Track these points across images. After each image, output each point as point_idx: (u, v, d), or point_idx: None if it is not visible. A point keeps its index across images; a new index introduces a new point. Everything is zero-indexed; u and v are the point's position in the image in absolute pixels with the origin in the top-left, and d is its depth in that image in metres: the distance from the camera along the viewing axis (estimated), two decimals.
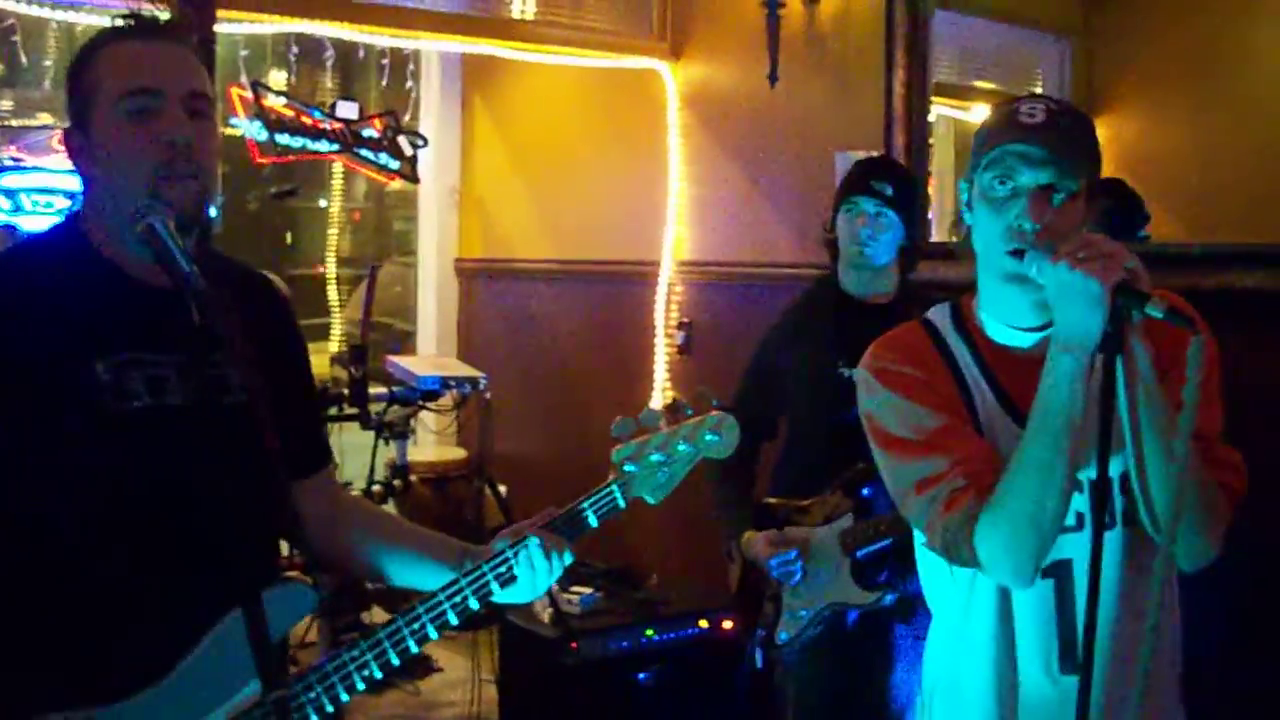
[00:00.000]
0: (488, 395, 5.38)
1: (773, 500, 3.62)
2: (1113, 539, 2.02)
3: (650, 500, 2.22)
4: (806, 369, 3.53)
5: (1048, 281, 1.86)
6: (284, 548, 2.19)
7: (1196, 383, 1.75)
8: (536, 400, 6.24)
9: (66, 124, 1.98)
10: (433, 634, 2.04)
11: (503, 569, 2.09)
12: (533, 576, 2.09)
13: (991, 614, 2.08)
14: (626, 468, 2.19)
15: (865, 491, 3.40)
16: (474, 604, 2.07)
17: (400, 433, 5.42)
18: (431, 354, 6.80)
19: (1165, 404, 1.87)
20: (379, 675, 1.99)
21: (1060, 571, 2.04)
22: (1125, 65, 5.01)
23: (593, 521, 2.17)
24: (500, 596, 2.10)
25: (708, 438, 2.22)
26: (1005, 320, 2.08)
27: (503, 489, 5.62)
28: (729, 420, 2.25)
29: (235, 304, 1.80)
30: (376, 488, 5.34)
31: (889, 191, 3.45)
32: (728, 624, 4.59)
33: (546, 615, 4.62)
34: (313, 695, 1.94)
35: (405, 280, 7.74)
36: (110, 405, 1.86)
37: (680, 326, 5.55)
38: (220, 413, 1.87)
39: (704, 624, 4.69)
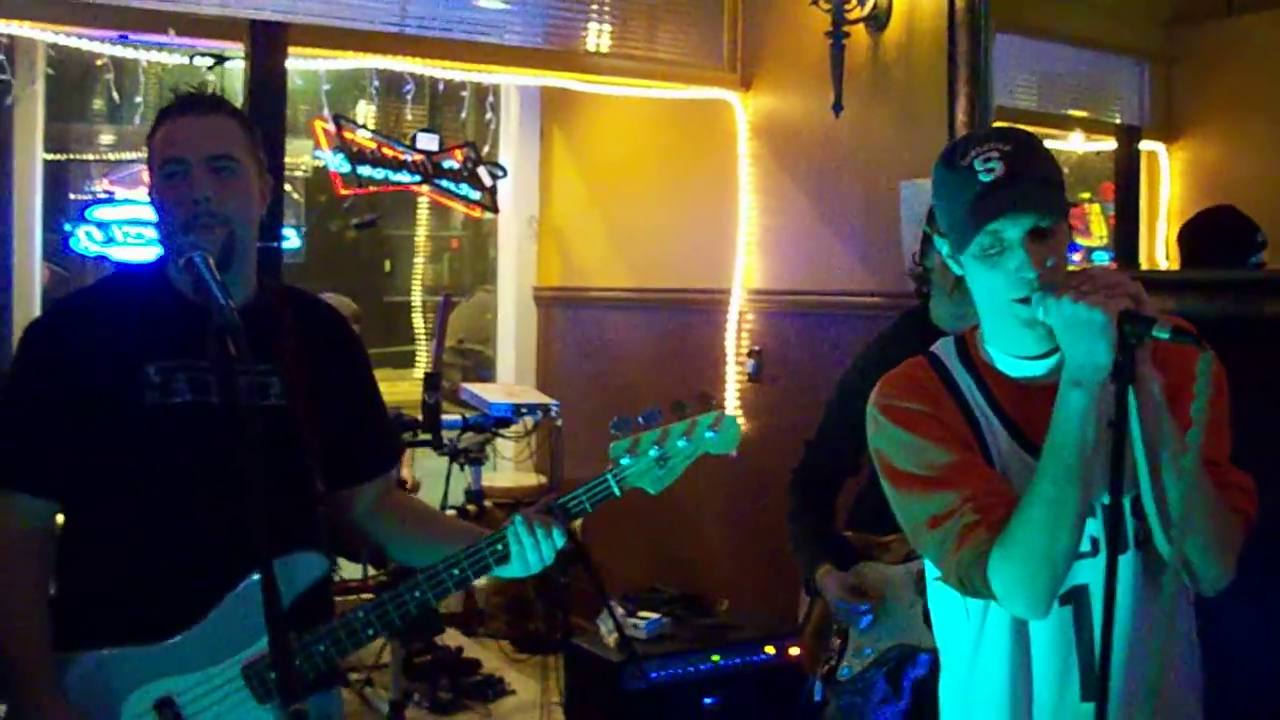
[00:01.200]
0: (559, 422, 5.45)
1: (851, 534, 3.56)
2: (1127, 562, 2.02)
3: (650, 490, 2.37)
4: None
5: (1053, 319, 1.88)
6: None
7: (1206, 399, 1.76)
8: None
9: None
10: (431, 600, 2.33)
11: (498, 546, 2.33)
12: (522, 552, 2.32)
13: (1006, 646, 2.08)
14: (623, 460, 2.34)
15: None
16: (470, 575, 2.34)
17: (475, 459, 5.51)
18: (508, 381, 6.90)
19: (1176, 426, 1.87)
20: (378, 635, 2.36)
21: (1077, 597, 2.04)
22: (1205, 89, 4.94)
23: (587, 507, 2.36)
24: (497, 571, 2.34)
25: (706, 435, 2.35)
26: (1011, 351, 2.09)
27: None
28: (728, 419, 2.37)
29: (295, 325, 2.44)
30: (452, 512, 5.43)
31: None
32: (794, 650, 4.59)
33: (612, 640, 4.66)
34: (321, 649, 2.30)
35: (494, 307, 7.86)
36: (156, 399, 2.31)
37: (751, 354, 5.57)
38: (252, 411, 2.09)
39: (770, 650, 4.70)
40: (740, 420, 5.56)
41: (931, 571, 2.17)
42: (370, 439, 2.66)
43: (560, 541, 2.33)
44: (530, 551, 2.31)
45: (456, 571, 2.33)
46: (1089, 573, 2.00)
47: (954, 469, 2.03)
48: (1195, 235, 4.31)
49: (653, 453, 2.34)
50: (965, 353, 2.16)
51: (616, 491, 2.36)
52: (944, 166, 2.07)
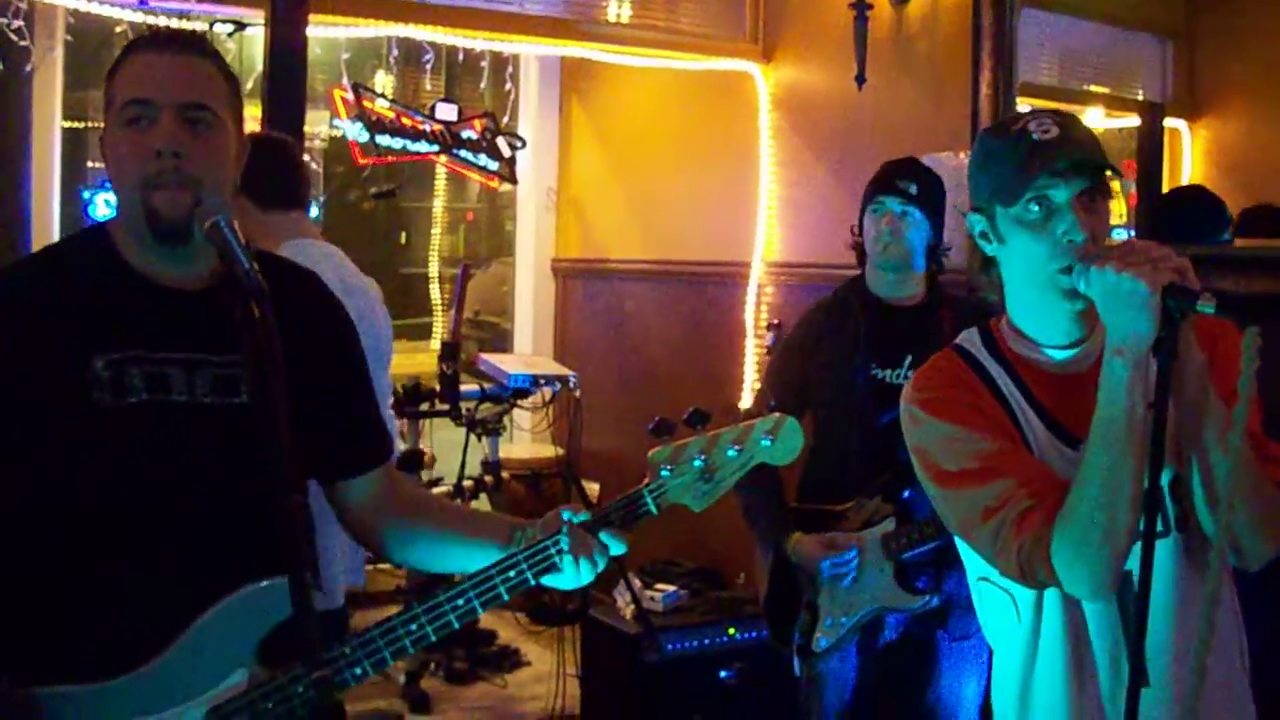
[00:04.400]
0: (577, 394, 5.44)
1: (805, 506, 3.57)
2: (1168, 546, 1.99)
3: (694, 508, 2.09)
4: (836, 372, 3.51)
5: (1095, 290, 1.85)
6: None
7: (1250, 375, 1.74)
8: (628, 398, 6.29)
9: None
10: (479, 611, 2.02)
11: (541, 561, 2.04)
12: (576, 574, 2.04)
13: (1061, 642, 2.05)
14: (662, 472, 2.06)
15: (906, 494, 3.37)
16: (506, 594, 2.04)
17: (492, 430, 5.50)
18: (526, 352, 6.89)
19: (1221, 402, 1.86)
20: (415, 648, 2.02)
21: (1121, 584, 1.99)
22: (1228, 67, 4.91)
23: (623, 526, 2.08)
24: (544, 581, 2.06)
25: (762, 443, 2.07)
26: (1041, 339, 2.07)
27: (595, 486, 5.68)
28: (788, 423, 2.08)
29: (279, 304, 1.80)
30: (468, 483, 5.43)
31: (914, 190, 3.45)
32: None
33: (629, 612, 4.67)
34: (356, 661, 1.97)
35: (511, 279, 7.86)
36: (104, 400, 1.90)
37: (770, 327, 5.55)
38: (225, 411, 1.90)
39: None
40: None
41: (978, 571, 2.14)
42: (364, 429, 2.26)
43: (601, 564, 2.05)
44: (571, 576, 2.04)
45: (500, 583, 2.03)
46: (1132, 559, 1.94)
47: (1001, 457, 1.99)
48: (1166, 214, 4.31)
49: (697, 463, 2.06)
50: (993, 343, 2.12)
51: (654, 509, 2.07)
52: (991, 135, 2.06)
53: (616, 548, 2.06)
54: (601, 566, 2.06)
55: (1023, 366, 2.09)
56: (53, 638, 1.91)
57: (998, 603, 2.14)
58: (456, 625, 2.02)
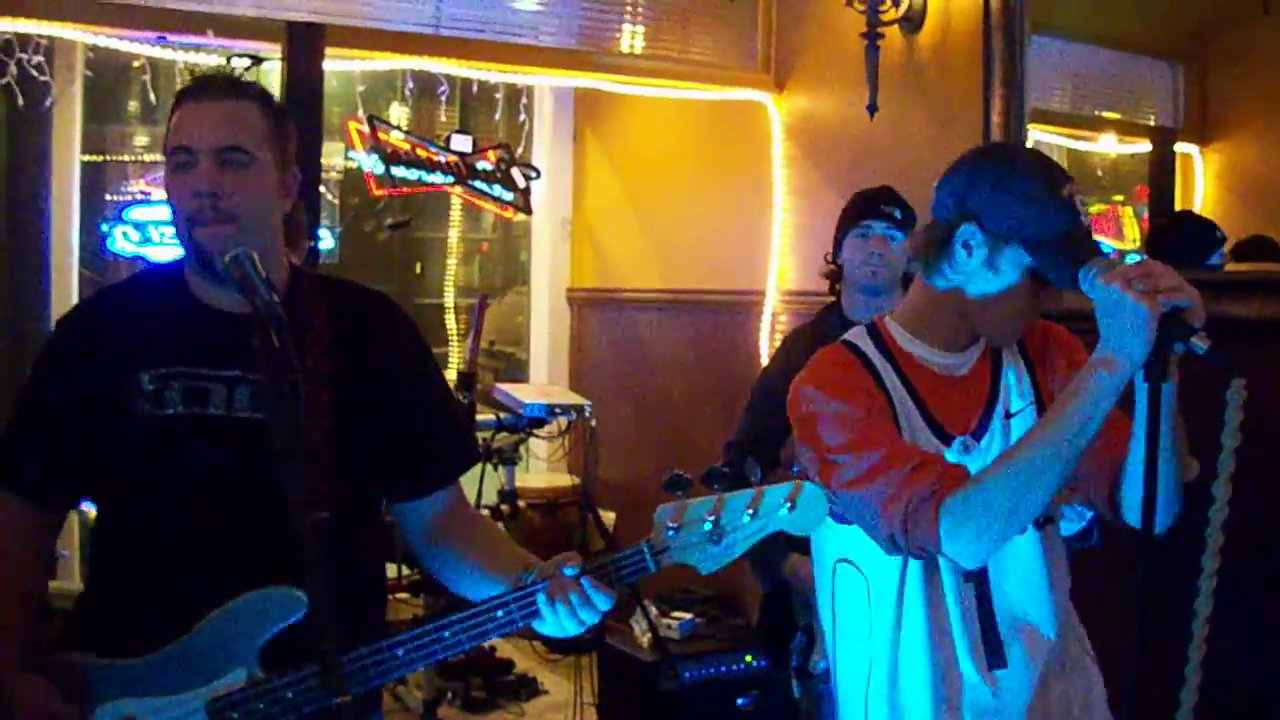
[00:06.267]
0: (593, 423, 5.45)
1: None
2: (1031, 540, 2.20)
3: (701, 570, 2.00)
4: None
5: (1097, 297, 1.89)
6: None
7: (1233, 426, 1.77)
8: (644, 428, 6.30)
9: None
10: (465, 646, 2.06)
11: (527, 605, 2.04)
12: (558, 621, 2.03)
13: (923, 629, 2.18)
14: (666, 531, 1.99)
15: None
16: (494, 633, 2.07)
17: (508, 459, 5.52)
18: (542, 382, 6.92)
19: (1184, 431, 1.98)
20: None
21: (980, 572, 2.17)
22: (1240, 91, 4.92)
23: (623, 582, 2.04)
24: (533, 625, 2.07)
25: (780, 512, 1.97)
26: (930, 341, 2.22)
27: (611, 515, 5.69)
28: (809, 490, 1.97)
29: (330, 321, 2.19)
30: (485, 513, 5.44)
31: (898, 215, 3.55)
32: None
33: (646, 640, 4.68)
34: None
35: (525, 309, 7.88)
36: (145, 410, 2.12)
37: None
38: (262, 426, 1.93)
39: None
40: None
41: (836, 553, 2.28)
42: (424, 447, 2.32)
43: (591, 619, 2.03)
44: (566, 620, 2.02)
45: (489, 623, 2.05)
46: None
47: (887, 434, 2.11)
48: (1157, 240, 4.35)
49: (705, 526, 1.97)
50: (880, 339, 2.25)
51: (652, 567, 2.00)
52: (1044, 189, 2.07)
53: (602, 602, 2.02)
54: (589, 619, 2.03)
55: (907, 362, 2.21)
56: (103, 615, 2.16)
57: (853, 587, 2.26)
58: (442, 656, 2.06)
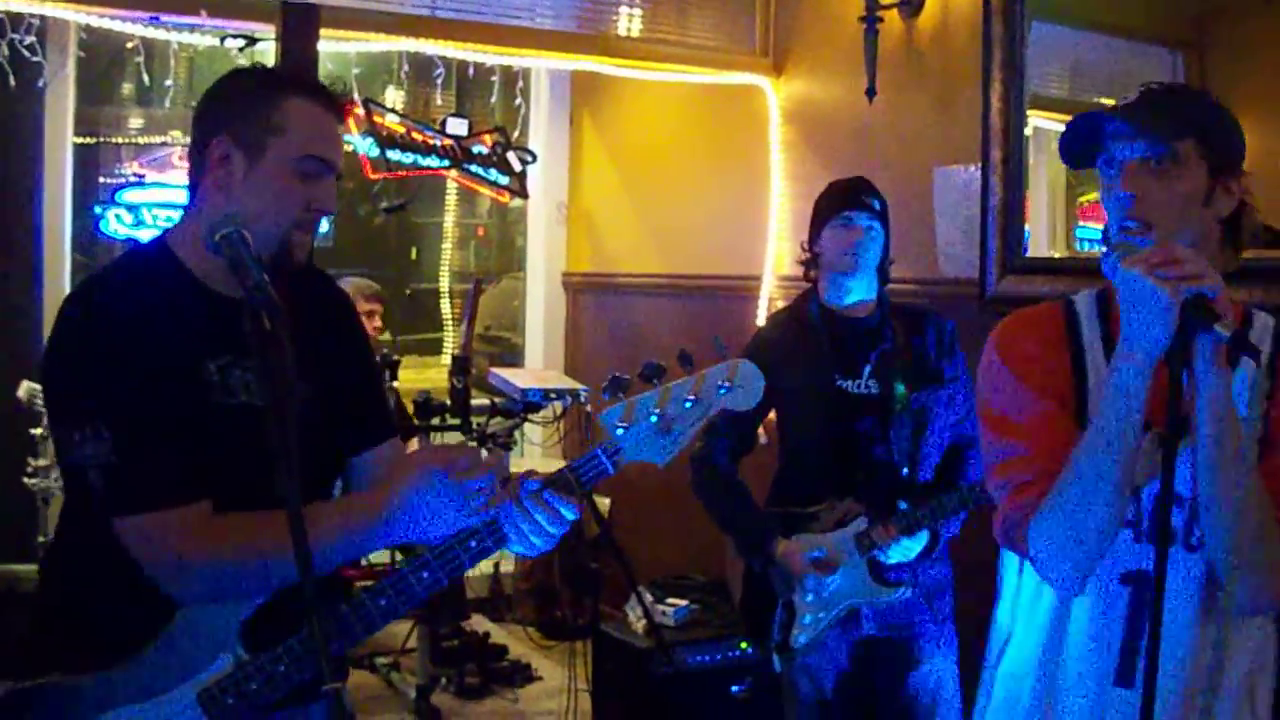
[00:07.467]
0: (588, 407, 5.43)
1: (777, 510, 3.68)
2: (1189, 561, 1.98)
3: (657, 461, 2.06)
4: (801, 384, 3.59)
5: (1119, 282, 1.85)
6: None
7: (1259, 414, 1.74)
8: None
9: (187, 140, 2.20)
10: (444, 583, 2.06)
11: (496, 530, 2.05)
12: (523, 536, 2.04)
13: (1047, 615, 2.08)
14: (617, 431, 2.04)
15: (902, 505, 3.50)
16: (467, 564, 2.08)
17: (504, 444, 5.48)
18: (538, 367, 6.89)
19: (1239, 432, 1.84)
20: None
21: (1138, 580, 2.01)
22: (1240, 78, 4.89)
23: (583, 488, 2.07)
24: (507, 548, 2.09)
25: (720, 392, 2.03)
26: None
27: (606, 501, 5.67)
28: (743, 367, 2.04)
29: (300, 305, 2.11)
30: None
31: (877, 205, 3.64)
32: None
33: (640, 626, 4.66)
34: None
35: (521, 294, 7.87)
36: (218, 400, 2.12)
37: None
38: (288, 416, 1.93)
39: None
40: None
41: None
42: (375, 408, 2.42)
43: (570, 515, 2.04)
44: (534, 535, 2.03)
45: (464, 554, 2.06)
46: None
47: (1038, 420, 2.03)
48: None
49: (653, 419, 2.02)
50: (1104, 305, 2.11)
51: (610, 469, 2.05)
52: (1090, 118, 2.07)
53: (568, 511, 2.04)
54: (558, 532, 2.05)
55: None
56: (89, 618, 2.13)
57: (1008, 564, 2.21)
58: (423, 595, 2.06)
